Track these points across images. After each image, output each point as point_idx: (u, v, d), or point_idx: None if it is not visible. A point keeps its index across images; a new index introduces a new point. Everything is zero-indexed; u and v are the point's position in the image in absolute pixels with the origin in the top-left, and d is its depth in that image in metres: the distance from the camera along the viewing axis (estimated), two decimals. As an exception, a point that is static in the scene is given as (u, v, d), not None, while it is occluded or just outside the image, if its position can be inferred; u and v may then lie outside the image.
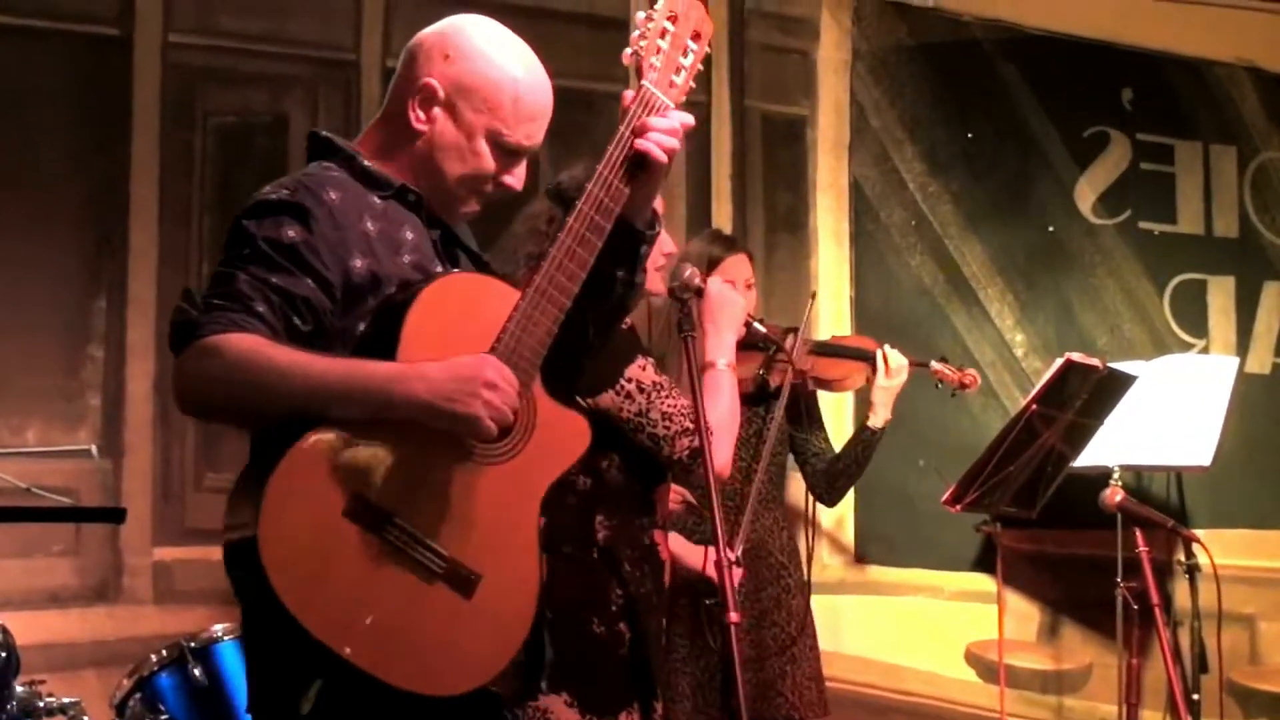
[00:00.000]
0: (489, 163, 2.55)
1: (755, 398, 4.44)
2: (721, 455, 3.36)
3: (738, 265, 4.49)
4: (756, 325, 4.02)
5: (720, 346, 3.55)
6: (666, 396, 3.32)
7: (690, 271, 3.51)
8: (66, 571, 4.69)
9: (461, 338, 2.37)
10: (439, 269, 2.51)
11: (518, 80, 2.55)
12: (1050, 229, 6.02)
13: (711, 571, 3.87)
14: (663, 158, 2.54)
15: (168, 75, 4.94)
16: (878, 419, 4.54)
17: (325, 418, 2.25)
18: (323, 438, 2.24)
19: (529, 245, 3.31)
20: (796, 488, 4.79)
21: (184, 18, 4.96)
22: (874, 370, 4.53)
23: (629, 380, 3.28)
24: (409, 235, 2.49)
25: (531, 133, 2.57)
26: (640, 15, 2.58)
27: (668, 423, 3.30)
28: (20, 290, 4.71)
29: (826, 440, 4.68)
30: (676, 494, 3.87)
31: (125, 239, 4.83)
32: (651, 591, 3.41)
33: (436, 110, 2.52)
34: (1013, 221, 5.96)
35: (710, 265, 4.44)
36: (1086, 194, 6.08)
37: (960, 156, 5.92)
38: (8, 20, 4.76)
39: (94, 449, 4.66)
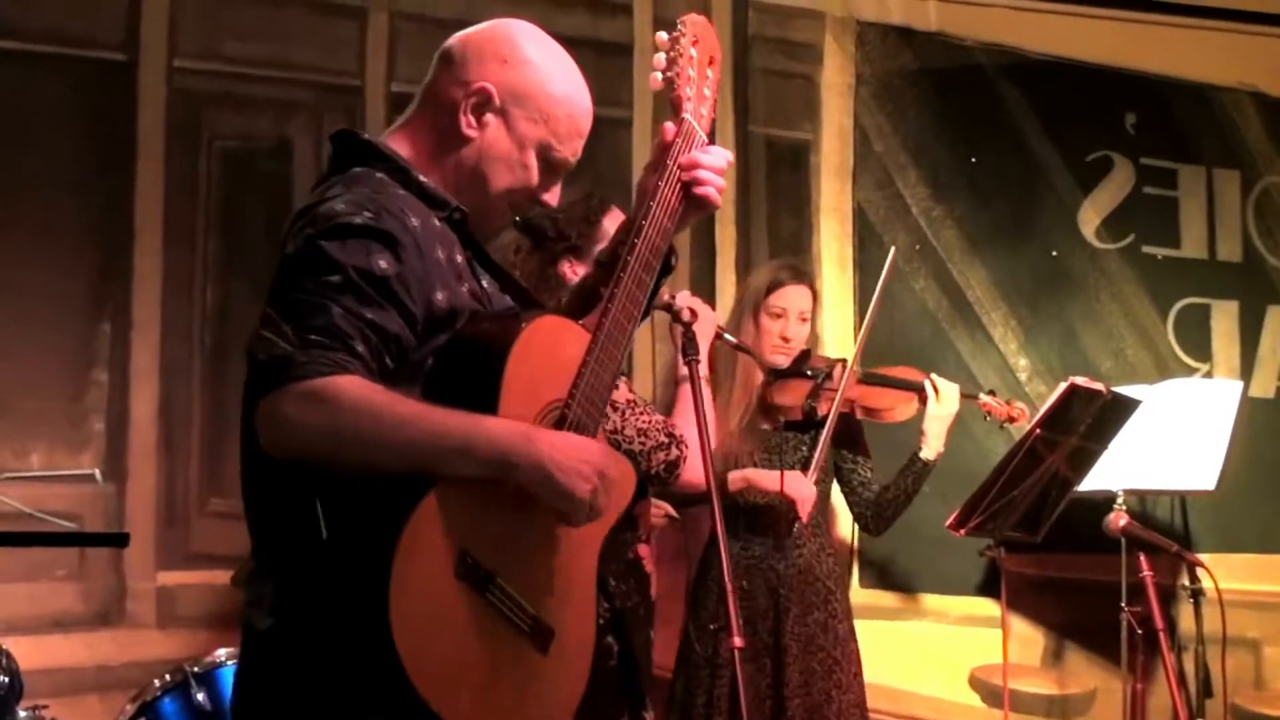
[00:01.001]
0: (535, 176, 2.48)
1: (802, 426, 4.50)
2: (699, 468, 3.39)
3: (795, 294, 4.56)
4: (727, 336, 4.08)
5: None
6: (641, 413, 3.37)
7: (665, 299, 3.55)
8: (70, 596, 4.69)
9: (547, 384, 2.34)
10: (471, 286, 2.43)
11: (573, 95, 2.49)
12: (1054, 253, 6.02)
13: (789, 491, 4.06)
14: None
15: (172, 100, 4.95)
16: (929, 450, 4.59)
17: (437, 474, 2.17)
18: (439, 497, 2.17)
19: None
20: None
21: (189, 43, 4.98)
22: (923, 401, 4.58)
23: None
24: (458, 259, 2.40)
25: (577, 149, 2.51)
26: (663, 36, 2.53)
27: (643, 439, 3.35)
28: (24, 314, 4.72)
29: (872, 470, 4.72)
30: (658, 509, 3.92)
31: (129, 263, 4.84)
32: (638, 604, 3.48)
33: (489, 116, 2.43)
34: (1016, 246, 5.97)
35: (772, 288, 4.51)
36: (1090, 218, 6.08)
37: (964, 181, 5.93)
38: (13, 45, 4.77)
39: (98, 473, 4.66)
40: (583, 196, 3.60)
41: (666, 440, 3.39)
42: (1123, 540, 4.87)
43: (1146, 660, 4.99)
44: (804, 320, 4.58)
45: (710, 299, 4.82)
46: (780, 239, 5.70)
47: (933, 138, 5.92)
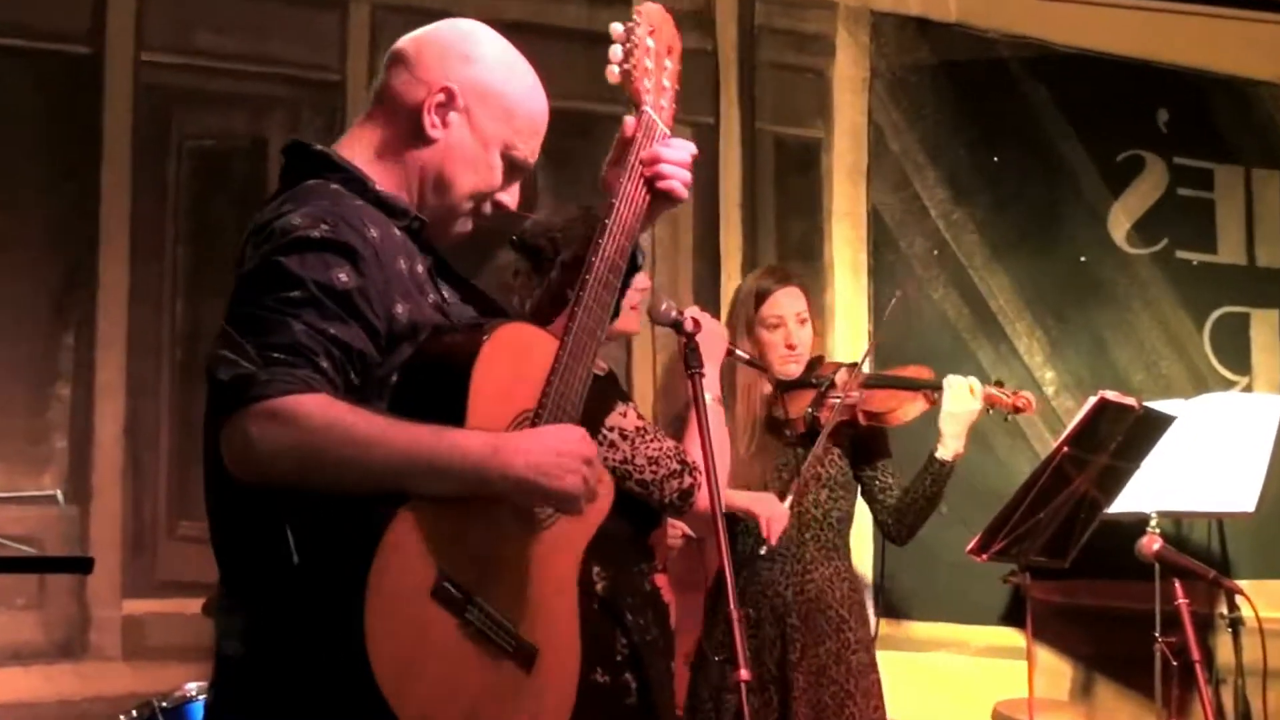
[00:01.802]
0: (498, 177, 2.54)
1: (807, 438, 4.50)
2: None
3: (786, 298, 4.57)
4: (739, 353, 4.09)
5: (705, 382, 3.56)
6: (651, 440, 3.39)
7: (666, 305, 3.57)
8: (30, 626, 4.68)
9: (516, 393, 2.38)
10: (433, 298, 2.47)
11: (532, 93, 2.56)
12: (1082, 259, 6.02)
13: (757, 509, 4.14)
14: (685, 195, 2.59)
15: (140, 96, 4.95)
16: (946, 450, 4.58)
17: (410, 493, 2.20)
18: (411, 515, 2.20)
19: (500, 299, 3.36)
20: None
21: (158, 35, 4.98)
22: (930, 400, 4.59)
23: (610, 429, 3.36)
24: (420, 269, 2.45)
25: (535, 149, 2.58)
26: (617, 27, 2.60)
27: (654, 467, 3.38)
28: (-18, 326, 4.72)
29: (894, 475, 4.71)
30: (676, 529, 3.92)
31: (94, 272, 4.84)
32: (657, 637, 3.51)
33: (453, 115, 2.49)
34: (1042, 251, 5.96)
35: (760, 298, 4.52)
36: (1120, 222, 6.08)
37: (985, 182, 5.93)
38: (-32, 38, 4.78)
39: (60, 495, 4.66)
40: (581, 213, 3.60)
41: (679, 467, 3.42)
42: (1156, 566, 4.85)
43: (1182, 694, 4.98)
44: (803, 322, 4.58)
45: (714, 309, 4.82)
46: (789, 244, 5.70)
47: (952, 136, 5.92)
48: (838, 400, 4.49)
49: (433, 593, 2.21)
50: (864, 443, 4.69)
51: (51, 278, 4.82)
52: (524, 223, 3.59)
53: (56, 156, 4.84)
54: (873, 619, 4.81)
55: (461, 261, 2.72)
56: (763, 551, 4.35)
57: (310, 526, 2.23)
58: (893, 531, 4.75)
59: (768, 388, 4.60)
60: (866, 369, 4.67)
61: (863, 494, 4.75)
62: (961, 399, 4.58)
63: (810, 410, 4.49)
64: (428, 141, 2.48)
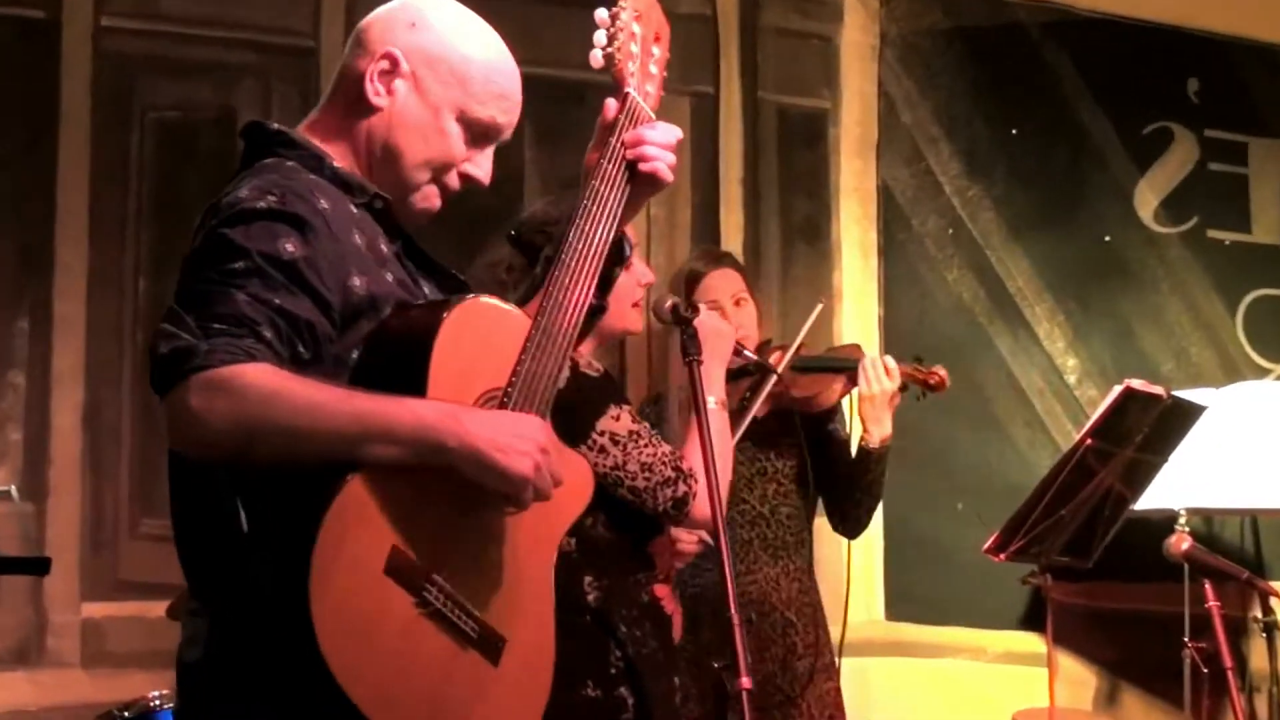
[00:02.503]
0: (457, 145, 2.59)
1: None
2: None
3: (723, 281, 4.56)
4: (746, 353, 4.08)
5: (709, 382, 3.56)
6: (645, 446, 3.39)
7: (670, 304, 3.55)
8: (-19, 631, 4.69)
9: (482, 371, 2.41)
10: (396, 276, 2.51)
11: (489, 54, 2.60)
12: (1106, 239, 6.03)
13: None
14: (669, 177, 2.65)
15: (100, 64, 4.93)
16: (871, 436, 4.54)
17: (360, 460, 2.23)
18: (362, 484, 2.23)
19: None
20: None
21: (119, -1, 4.97)
22: (852, 380, 4.56)
23: (601, 433, 3.37)
24: (383, 248, 2.50)
25: (506, 110, 2.61)
26: (602, 13, 2.65)
27: (648, 474, 3.38)
28: (-69, 310, 4.71)
29: (842, 465, 4.68)
30: (691, 535, 3.92)
31: (51, 252, 4.82)
32: (657, 650, 3.49)
33: (398, 82, 2.55)
34: (1063, 230, 5.97)
35: (691, 283, 4.51)
36: (1148, 199, 6.08)
37: (1003, 156, 5.93)
38: (-87, 2, 4.77)
39: (14, 490, 4.65)
40: None
41: (673, 475, 3.42)
42: (1185, 566, 4.85)
43: (1213, 703, 4.99)
44: (740, 304, 4.57)
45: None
46: (794, 223, 5.69)
47: (968, 107, 5.91)
48: (766, 388, 4.47)
49: (386, 567, 2.23)
50: (810, 432, 4.66)
51: (4, 259, 4.80)
52: (522, 216, 3.62)
53: (10, 129, 4.82)
54: (872, 619, 4.77)
55: (454, 255, 2.74)
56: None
57: (261, 502, 2.27)
58: (838, 525, 4.73)
59: None
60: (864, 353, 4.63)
61: (818, 488, 4.72)
62: (876, 379, 4.54)
63: (745, 398, 4.49)
64: (373, 110, 2.55)
